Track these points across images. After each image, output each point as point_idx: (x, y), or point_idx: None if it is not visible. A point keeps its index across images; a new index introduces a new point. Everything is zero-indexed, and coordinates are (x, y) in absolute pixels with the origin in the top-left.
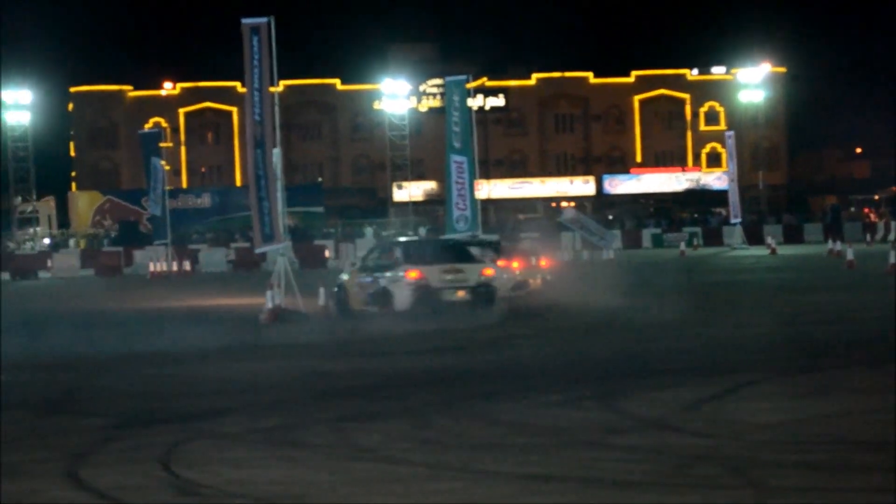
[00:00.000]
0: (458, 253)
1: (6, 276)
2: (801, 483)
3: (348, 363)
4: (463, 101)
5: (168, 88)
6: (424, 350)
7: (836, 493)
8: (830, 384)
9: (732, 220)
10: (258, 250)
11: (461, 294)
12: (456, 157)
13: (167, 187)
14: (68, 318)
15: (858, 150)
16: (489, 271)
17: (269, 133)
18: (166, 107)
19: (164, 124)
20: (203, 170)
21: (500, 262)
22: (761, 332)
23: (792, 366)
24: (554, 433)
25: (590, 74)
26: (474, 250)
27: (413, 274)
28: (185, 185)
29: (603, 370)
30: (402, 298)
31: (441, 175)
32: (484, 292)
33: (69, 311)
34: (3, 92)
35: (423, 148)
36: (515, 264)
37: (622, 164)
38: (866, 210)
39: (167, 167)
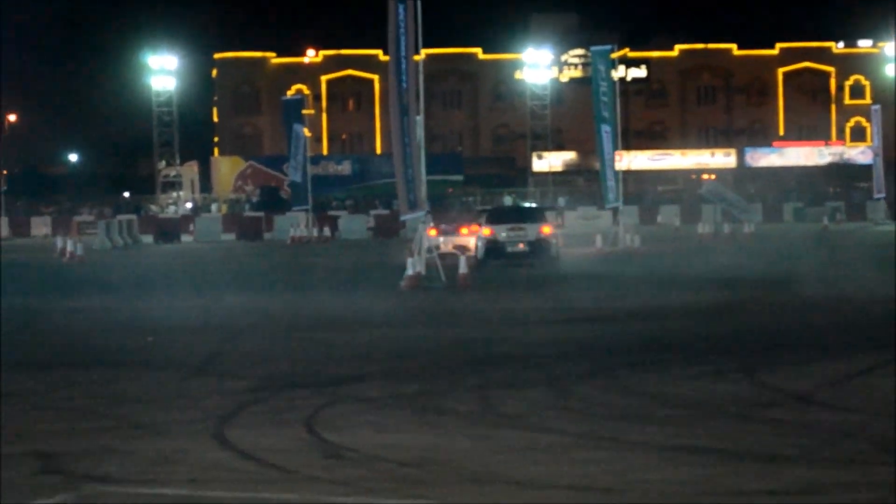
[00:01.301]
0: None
1: (149, 238)
2: None
3: (488, 331)
4: (608, 72)
5: (310, 56)
6: (562, 320)
7: None
8: None
9: (876, 196)
10: (403, 217)
11: (521, 246)
12: (605, 127)
13: (308, 154)
14: (213, 282)
15: None
16: (546, 229)
17: (413, 101)
18: (308, 74)
19: (305, 91)
20: (343, 137)
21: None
22: None
23: None
24: (699, 405)
25: (733, 46)
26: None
27: (486, 231)
28: (325, 151)
29: (745, 344)
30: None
31: (581, 146)
32: (540, 246)
33: (215, 274)
34: (150, 58)
35: (563, 118)
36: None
37: (764, 137)
38: None
39: (308, 134)
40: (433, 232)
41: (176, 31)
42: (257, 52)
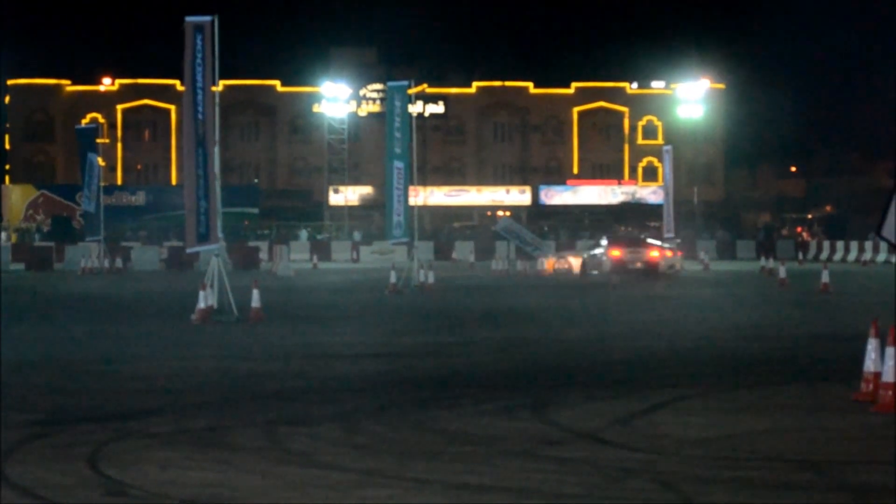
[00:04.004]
0: None
1: None
2: (731, 500)
3: (280, 365)
4: (404, 107)
5: (106, 84)
6: (357, 355)
7: None
8: (763, 401)
9: (666, 235)
10: (190, 250)
11: None
12: (397, 163)
13: (102, 183)
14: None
15: (793, 169)
16: None
17: (210, 132)
18: (104, 102)
19: (101, 120)
20: (139, 167)
21: None
22: (694, 347)
23: (724, 382)
24: (487, 443)
25: (530, 84)
26: None
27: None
28: (120, 181)
29: (536, 381)
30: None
31: (378, 180)
32: None
33: (2, 305)
34: None
35: (361, 152)
36: None
37: (559, 175)
38: (799, 229)
39: (102, 163)
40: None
41: None
42: (52, 79)
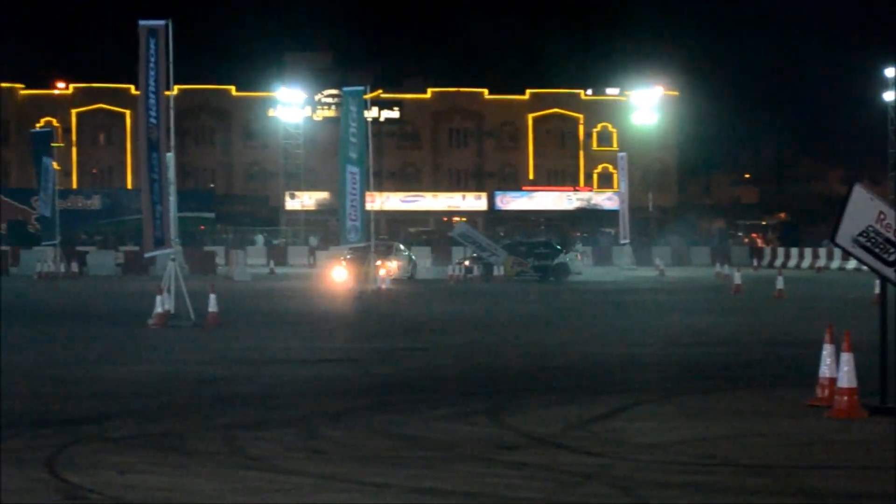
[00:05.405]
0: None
1: None
2: (687, 503)
3: (238, 370)
4: (360, 112)
5: (61, 88)
6: (315, 360)
7: None
8: (717, 406)
9: (622, 241)
10: (148, 255)
11: None
12: (351, 168)
13: (57, 187)
14: None
15: (747, 176)
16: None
17: (164, 137)
18: (59, 106)
19: (55, 124)
20: (94, 171)
21: None
22: (650, 352)
23: (680, 387)
24: (444, 447)
25: (485, 90)
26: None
27: None
28: (75, 185)
29: (494, 386)
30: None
31: (334, 185)
32: None
33: None
34: None
35: (317, 157)
36: None
37: (514, 181)
38: (754, 235)
39: (58, 167)
40: None
41: None
42: (5, 82)
